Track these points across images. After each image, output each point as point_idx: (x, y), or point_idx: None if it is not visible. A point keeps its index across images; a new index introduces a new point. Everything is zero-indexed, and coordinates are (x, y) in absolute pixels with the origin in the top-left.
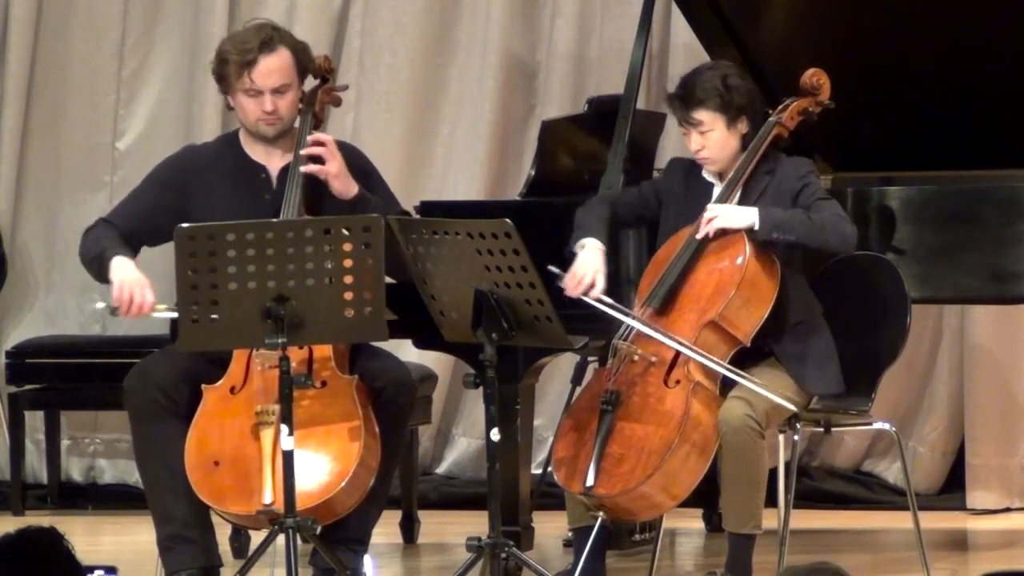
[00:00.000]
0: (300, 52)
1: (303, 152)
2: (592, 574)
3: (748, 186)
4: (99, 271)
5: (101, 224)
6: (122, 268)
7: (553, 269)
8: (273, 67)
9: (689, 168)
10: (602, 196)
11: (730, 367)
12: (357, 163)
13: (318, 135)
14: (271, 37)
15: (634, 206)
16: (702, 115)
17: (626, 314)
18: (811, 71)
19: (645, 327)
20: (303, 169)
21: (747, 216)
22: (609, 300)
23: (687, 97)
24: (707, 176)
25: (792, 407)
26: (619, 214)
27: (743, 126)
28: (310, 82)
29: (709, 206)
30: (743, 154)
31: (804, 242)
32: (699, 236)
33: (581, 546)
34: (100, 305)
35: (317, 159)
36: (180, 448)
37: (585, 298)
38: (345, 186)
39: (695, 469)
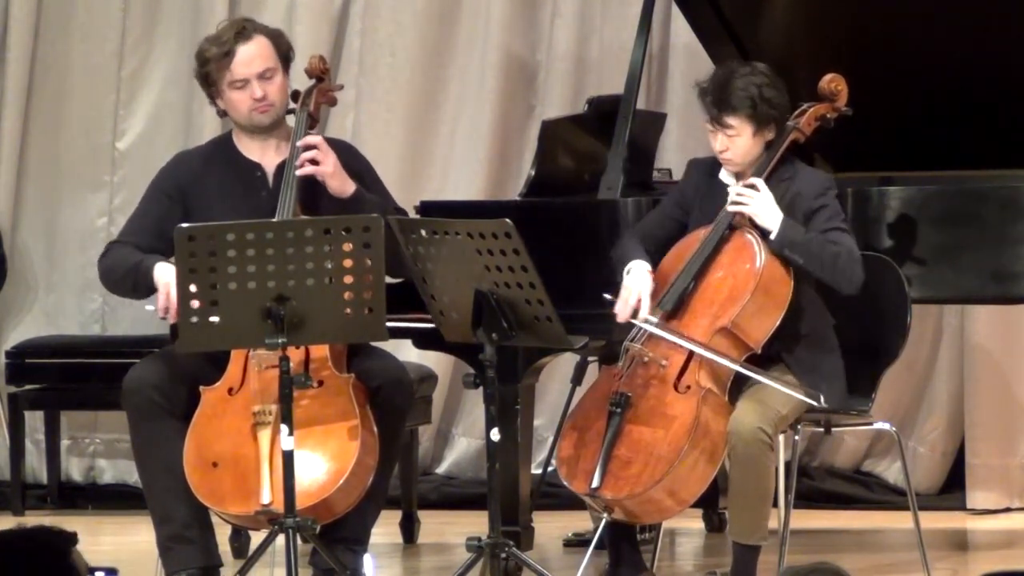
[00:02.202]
0: (277, 38)
1: (296, 163)
2: (633, 563)
3: (769, 187)
4: (137, 283)
5: (116, 245)
6: (166, 271)
7: (608, 297)
8: (253, 54)
9: (708, 169)
10: (630, 232)
11: (750, 367)
12: (351, 161)
13: (307, 139)
14: (244, 27)
15: (660, 225)
16: (732, 120)
17: (674, 334)
18: (829, 76)
19: (695, 347)
20: (299, 172)
21: (772, 219)
22: (655, 320)
23: (721, 100)
24: (723, 177)
25: (808, 400)
26: (650, 239)
27: (770, 133)
28: (306, 82)
29: (752, 181)
30: (765, 157)
31: (809, 269)
32: (729, 209)
33: (614, 536)
34: (149, 308)
35: (312, 160)
36: (179, 448)
37: (634, 321)
38: (341, 184)
39: (703, 476)
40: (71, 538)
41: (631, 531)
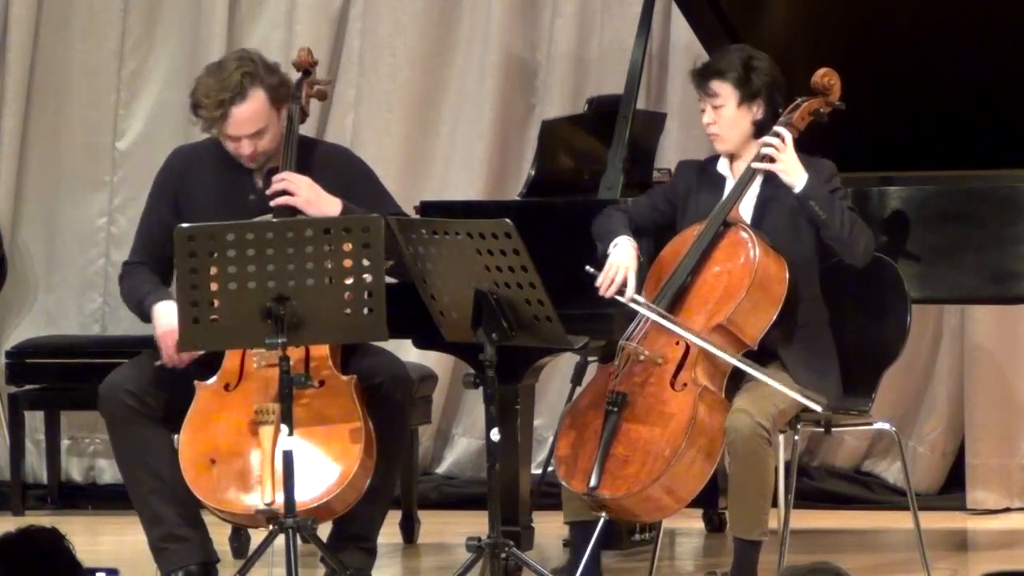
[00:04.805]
0: (275, 89)
1: (273, 202)
2: (592, 572)
3: (765, 186)
4: (145, 317)
5: (129, 268)
6: (161, 318)
7: (590, 269)
8: (246, 116)
9: (700, 166)
10: (614, 206)
11: (753, 363)
12: (347, 169)
13: (276, 177)
14: (243, 83)
15: (647, 214)
16: (717, 87)
17: (661, 315)
18: (822, 71)
19: (681, 330)
20: (273, 204)
21: (799, 174)
22: (643, 299)
23: (707, 67)
24: (721, 170)
25: (806, 401)
26: (634, 222)
27: (758, 110)
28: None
29: (777, 134)
30: (755, 146)
31: (830, 227)
32: (754, 165)
33: (579, 540)
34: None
35: (285, 192)
36: (160, 451)
37: (619, 298)
38: (321, 212)
39: (701, 473)
40: (55, 531)
41: (601, 543)
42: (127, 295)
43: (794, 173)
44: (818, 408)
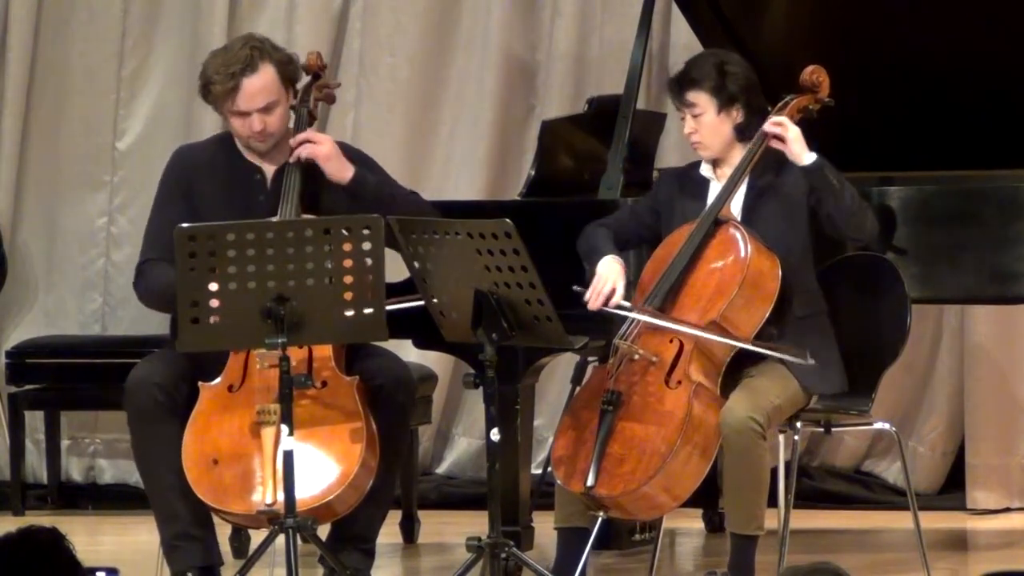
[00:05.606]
0: (284, 65)
1: (293, 155)
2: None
3: (755, 179)
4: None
5: (148, 265)
6: None
7: (577, 288)
8: (257, 88)
9: (681, 172)
10: (597, 222)
11: (754, 342)
12: (351, 152)
13: (298, 136)
14: (252, 56)
15: (631, 225)
16: (694, 96)
17: (649, 315)
18: (810, 68)
19: (675, 324)
20: (299, 153)
21: (806, 150)
22: (628, 304)
23: (682, 78)
24: (704, 172)
25: (796, 360)
26: (619, 236)
27: (737, 114)
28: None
29: (778, 119)
30: (741, 148)
31: (842, 197)
32: (766, 129)
33: (565, 545)
34: None
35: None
36: (181, 448)
37: (606, 308)
38: (339, 169)
39: (697, 470)
40: (55, 531)
41: (585, 546)
42: (153, 286)
43: (801, 148)
44: (800, 361)
